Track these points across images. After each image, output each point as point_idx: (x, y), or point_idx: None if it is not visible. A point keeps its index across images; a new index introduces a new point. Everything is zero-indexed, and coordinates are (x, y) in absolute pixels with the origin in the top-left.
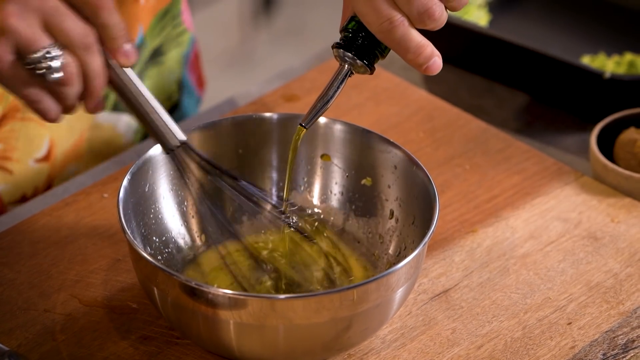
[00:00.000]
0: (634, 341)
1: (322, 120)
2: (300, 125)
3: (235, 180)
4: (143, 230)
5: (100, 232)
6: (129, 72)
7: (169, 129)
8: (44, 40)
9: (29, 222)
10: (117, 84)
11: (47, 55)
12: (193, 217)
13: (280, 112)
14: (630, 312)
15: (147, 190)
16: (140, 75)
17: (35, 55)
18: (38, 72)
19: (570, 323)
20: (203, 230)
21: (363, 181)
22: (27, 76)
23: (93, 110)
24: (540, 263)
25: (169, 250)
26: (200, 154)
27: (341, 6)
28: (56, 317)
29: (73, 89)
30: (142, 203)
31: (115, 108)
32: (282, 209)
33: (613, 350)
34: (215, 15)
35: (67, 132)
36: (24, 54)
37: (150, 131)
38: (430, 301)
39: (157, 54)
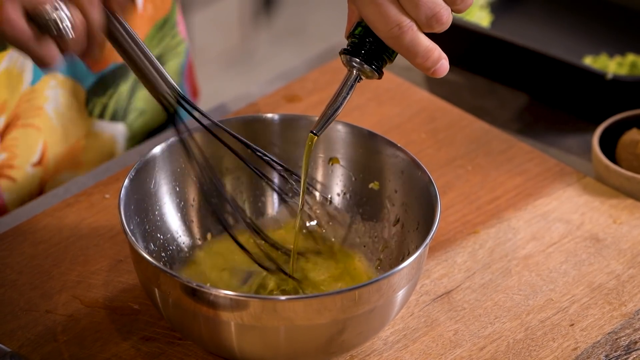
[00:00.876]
0: (636, 342)
1: (342, 127)
2: (312, 132)
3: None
4: (144, 231)
5: (101, 233)
6: (124, 22)
7: (160, 77)
8: None
9: (30, 223)
10: (114, 35)
11: (57, 12)
12: (193, 220)
13: (281, 112)
14: (632, 314)
15: (148, 190)
16: (136, 84)
17: (45, 12)
18: (50, 28)
19: (572, 324)
20: (207, 226)
21: (371, 185)
22: (36, 32)
23: (89, 61)
24: (542, 264)
25: (170, 251)
26: (194, 105)
27: (342, 6)
28: (58, 318)
29: (79, 40)
30: (143, 204)
31: (114, 118)
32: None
33: (616, 351)
34: (215, 15)
35: (61, 138)
36: (32, 10)
37: (142, 78)
38: (432, 302)
39: None
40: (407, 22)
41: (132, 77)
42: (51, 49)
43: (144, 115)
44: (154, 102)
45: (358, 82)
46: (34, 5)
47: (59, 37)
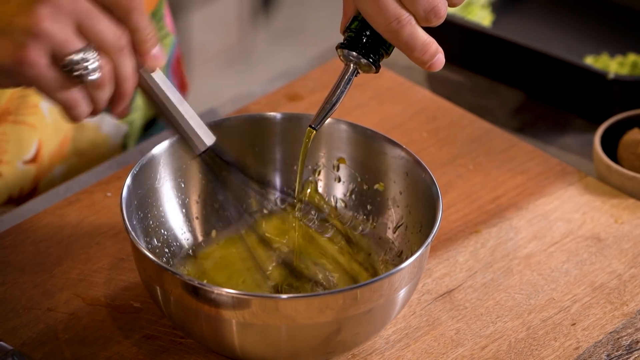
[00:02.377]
0: (638, 342)
1: (338, 123)
2: (310, 127)
3: (261, 184)
4: (146, 229)
5: (103, 231)
6: (158, 75)
7: (197, 133)
8: (77, 42)
9: (32, 221)
10: (145, 87)
11: (84, 57)
12: (197, 217)
13: (283, 111)
14: (634, 313)
15: (150, 189)
16: None
17: (71, 58)
18: (75, 74)
19: (574, 324)
20: (211, 223)
21: (376, 186)
22: (63, 79)
23: (120, 114)
24: (544, 264)
25: (174, 247)
26: (226, 158)
27: (340, 4)
28: (59, 316)
29: (107, 91)
30: (145, 202)
31: None
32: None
33: (617, 351)
34: (214, 14)
35: (54, 133)
36: (59, 57)
37: (178, 136)
38: (434, 301)
39: None
40: (405, 16)
41: None
42: (77, 98)
43: (137, 110)
44: None
45: (355, 76)
46: (59, 51)
47: (86, 85)
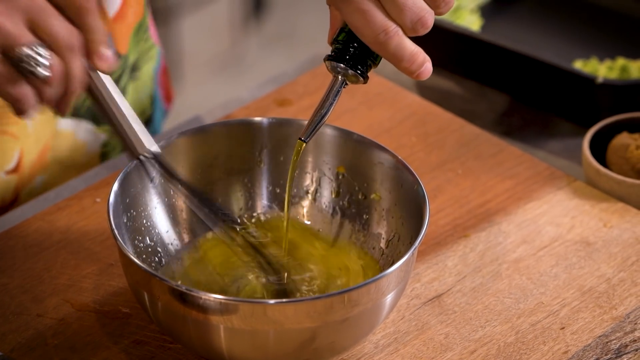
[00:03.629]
0: (627, 346)
1: (331, 130)
2: (300, 139)
3: (197, 195)
4: (134, 235)
5: (92, 237)
6: (106, 78)
7: (139, 137)
8: (29, 37)
9: (21, 227)
10: (92, 89)
11: (35, 52)
12: (184, 221)
13: (272, 116)
14: (623, 317)
15: (137, 194)
16: (123, 91)
17: (22, 52)
18: (26, 68)
19: (563, 328)
20: (198, 227)
21: (372, 196)
22: (12, 74)
23: (62, 111)
24: (533, 268)
25: (160, 254)
26: (166, 166)
27: None
28: (48, 322)
29: (56, 88)
30: (133, 207)
31: (74, 114)
32: (241, 227)
33: (606, 355)
34: (205, 19)
35: (34, 143)
36: (9, 51)
37: (120, 139)
38: (423, 306)
39: (133, 69)
40: (393, 27)
41: None
42: (26, 93)
43: None
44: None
45: (344, 87)
46: (10, 45)
47: (35, 82)
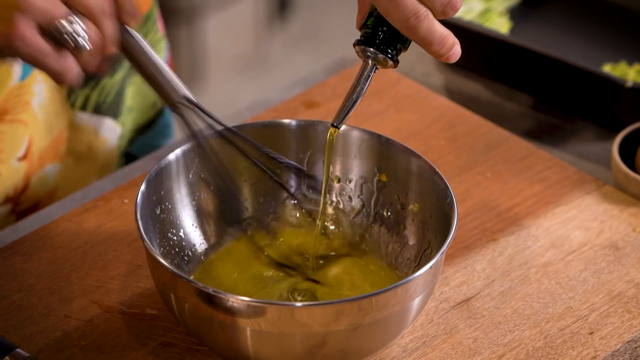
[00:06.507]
0: None
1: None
2: (332, 125)
3: (241, 138)
4: (162, 236)
5: (120, 238)
6: (135, 34)
7: (173, 85)
8: (63, 8)
9: (49, 228)
10: (124, 45)
11: (71, 23)
12: (211, 222)
13: (300, 118)
14: None
15: (165, 195)
16: (125, 82)
17: (60, 26)
18: (67, 40)
19: (592, 333)
20: (225, 229)
21: (410, 206)
22: (53, 48)
23: (103, 72)
24: (561, 272)
25: (188, 255)
26: (204, 111)
27: (355, 10)
28: (76, 323)
29: (96, 53)
30: (160, 208)
31: (97, 110)
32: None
33: None
34: (230, 20)
35: (45, 131)
36: (45, 26)
37: (156, 89)
38: (451, 310)
39: None
40: (423, 10)
41: (118, 73)
42: (69, 64)
43: (131, 112)
44: (141, 99)
45: (375, 71)
46: (48, 19)
47: (75, 51)
